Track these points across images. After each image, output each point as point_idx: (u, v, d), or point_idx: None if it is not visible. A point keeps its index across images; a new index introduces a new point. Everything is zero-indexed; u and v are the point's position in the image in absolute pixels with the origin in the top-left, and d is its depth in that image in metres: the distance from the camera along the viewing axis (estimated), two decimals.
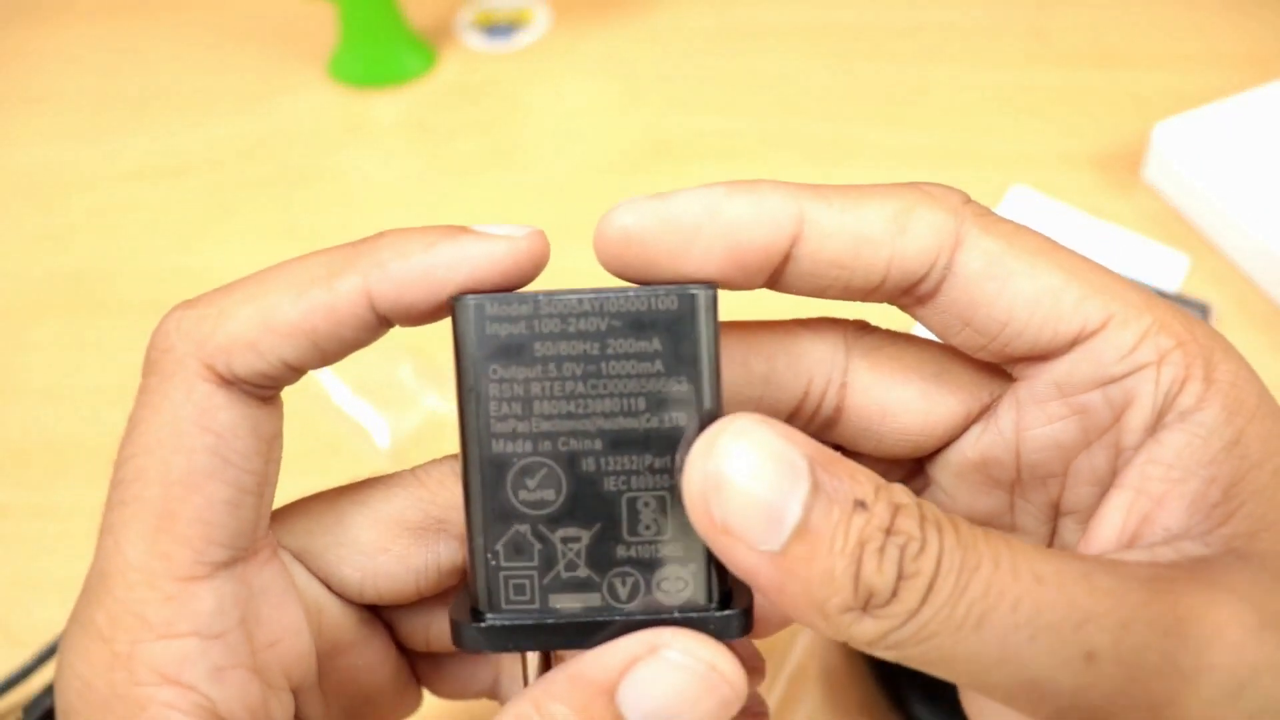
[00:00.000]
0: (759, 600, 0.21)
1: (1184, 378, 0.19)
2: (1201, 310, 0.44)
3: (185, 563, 0.19)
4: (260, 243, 0.52)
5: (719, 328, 0.19)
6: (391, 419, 0.42)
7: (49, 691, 0.33)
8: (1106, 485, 0.21)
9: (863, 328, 0.23)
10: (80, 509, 0.42)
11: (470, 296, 0.19)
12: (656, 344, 0.19)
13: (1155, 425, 0.20)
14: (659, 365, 0.19)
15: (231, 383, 0.19)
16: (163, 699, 0.18)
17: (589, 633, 0.19)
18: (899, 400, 0.22)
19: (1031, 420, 0.21)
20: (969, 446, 0.22)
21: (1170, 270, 0.47)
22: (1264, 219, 0.46)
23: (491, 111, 0.58)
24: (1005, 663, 0.16)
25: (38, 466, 0.43)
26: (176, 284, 0.50)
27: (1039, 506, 0.22)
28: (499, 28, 0.62)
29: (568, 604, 0.19)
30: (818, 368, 0.22)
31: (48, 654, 0.36)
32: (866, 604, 0.17)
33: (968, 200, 0.21)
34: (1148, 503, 0.19)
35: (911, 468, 0.24)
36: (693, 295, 0.19)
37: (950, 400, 0.22)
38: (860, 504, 0.17)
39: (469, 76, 0.60)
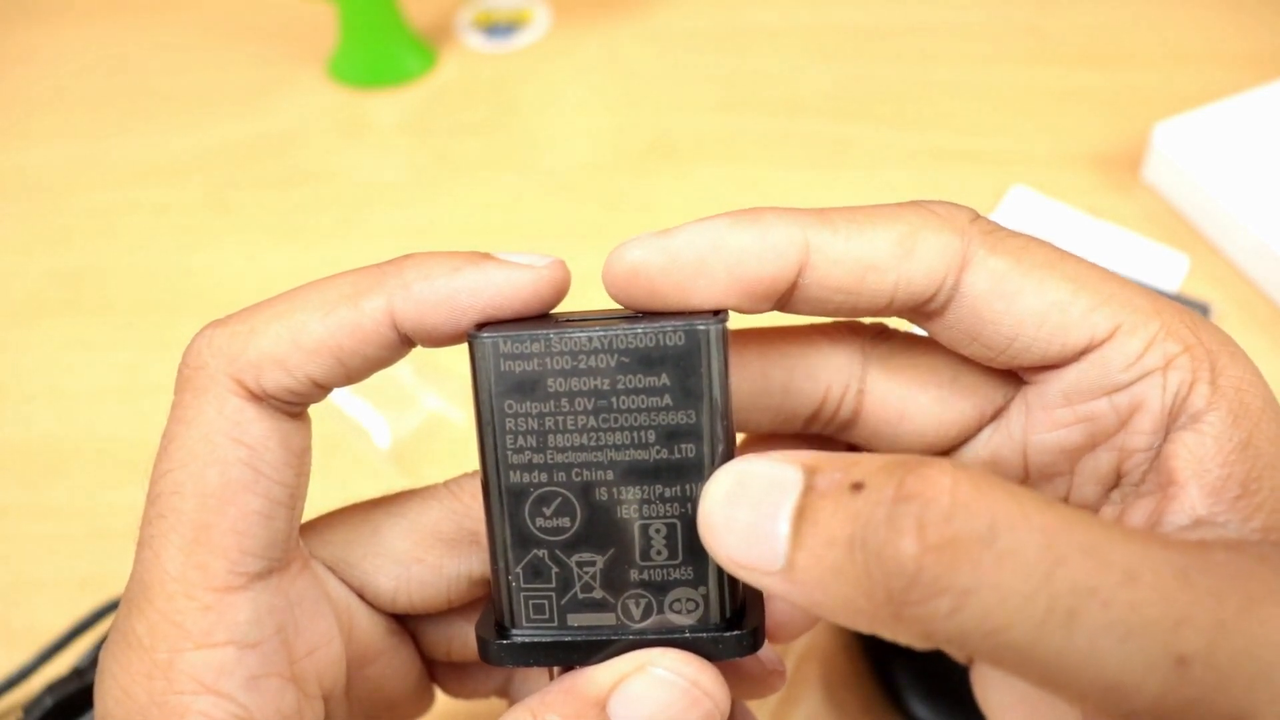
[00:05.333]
0: (782, 606, 0.22)
1: (1191, 381, 0.19)
2: (1201, 310, 0.44)
3: (221, 573, 0.19)
4: (260, 243, 0.52)
5: (728, 358, 0.19)
6: (391, 419, 0.42)
7: (49, 691, 0.33)
8: (1110, 486, 0.21)
9: (880, 333, 0.23)
10: (80, 509, 0.42)
11: (486, 334, 0.19)
12: (665, 379, 0.19)
13: (1164, 428, 0.20)
14: (667, 399, 0.19)
15: (261, 398, 0.20)
16: (199, 707, 0.19)
17: (604, 650, 0.20)
18: (915, 405, 0.22)
19: (1039, 425, 0.21)
20: (980, 445, 0.23)
21: (1170, 270, 0.47)
22: (1264, 219, 0.46)
23: (491, 111, 0.58)
24: (1090, 664, 0.15)
25: (38, 466, 0.43)
26: (176, 284, 0.50)
27: None
28: (499, 28, 0.62)
29: (584, 623, 0.20)
30: (836, 375, 0.22)
31: (48, 654, 0.36)
32: (898, 590, 0.15)
33: (975, 218, 0.21)
34: (1174, 491, 0.19)
35: None
36: (700, 331, 0.19)
37: (964, 404, 0.22)
38: (857, 486, 0.16)
39: (469, 76, 0.60)
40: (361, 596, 0.23)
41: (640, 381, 0.19)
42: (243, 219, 0.53)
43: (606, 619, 0.20)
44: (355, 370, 0.20)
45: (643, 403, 0.19)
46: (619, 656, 0.20)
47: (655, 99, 0.58)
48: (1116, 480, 0.21)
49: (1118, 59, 0.58)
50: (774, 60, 0.60)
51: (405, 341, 0.20)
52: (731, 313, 0.20)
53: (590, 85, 0.59)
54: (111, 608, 0.37)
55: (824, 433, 0.24)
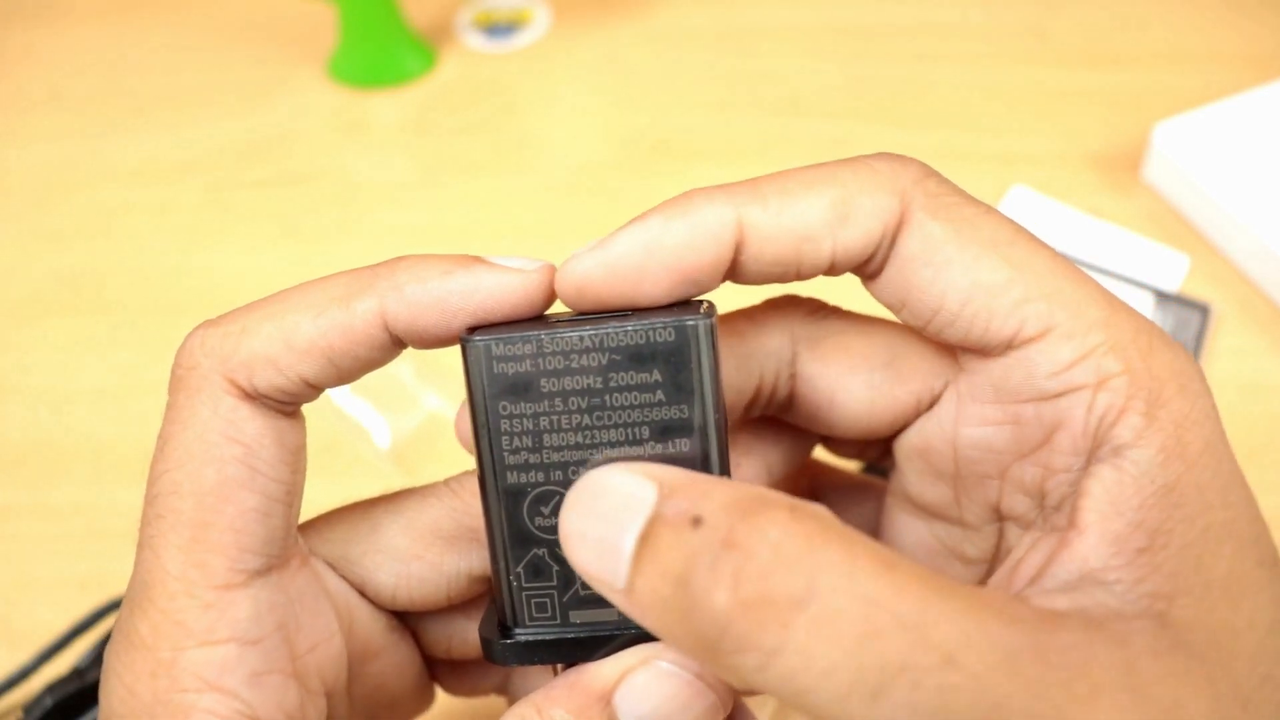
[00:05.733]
0: None
1: (1122, 408, 0.18)
2: (1202, 310, 0.44)
3: (221, 571, 0.19)
4: (260, 243, 0.52)
5: (718, 352, 0.19)
6: (391, 419, 0.42)
7: (49, 691, 0.33)
8: (1038, 499, 0.20)
9: (813, 312, 0.23)
10: (80, 509, 0.42)
11: (479, 337, 0.19)
12: (656, 375, 0.19)
13: (1087, 454, 0.19)
14: (660, 395, 0.19)
15: (255, 397, 0.20)
16: (204, 705, 0.19)
17: (607, 645, 0.20)
18: (844, 389, 0.22)
19: (968, 417, 0.21)
20: (914, 433, 0.22)
21: (1170, 270, 0.47)
22: (1264, 219, 0.46)
23: (491, 111, 0.58)
24: None
25: (38, 466, 0.43)
26: (176, 284, 0.50)
27: (981, 506, 0.22)
28: (499, 28, 0.62)
29: (587, 619, 0.20)
30: (767, 361, 0.22)
31: (48, 654, 0.36)
32: (711, 639, 0.15)
33: (924, 177, 0.20)
34: (1072, 536, 0.18)
35: (884, 447, 0.24)
36: (689, 327, 0.19)
37: (898, 390, 0.22)
38: (696, 520, 0.16)
39: (469, 76, 0.60)
40: (362, 593, 0.23)
41: (632, 378, 0.19)
42: (242, 219, 0.53)
43: (608, 615, 0.20)
44: (347, 371, 0.20)
45: (636, 399, 0.19)
46: (623, 651, 0.20)
47: (655, 99, 0.58)
48: (1042, 499, 0.20)
49: (1118, 59, 0.58)
50: (774, 60, 0.60)
51: (396, 343, 0.20)
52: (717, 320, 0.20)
53: (590, 85, 0.59)
54: (111, 608, 0.37)
55: (767, 414, 0.23)
